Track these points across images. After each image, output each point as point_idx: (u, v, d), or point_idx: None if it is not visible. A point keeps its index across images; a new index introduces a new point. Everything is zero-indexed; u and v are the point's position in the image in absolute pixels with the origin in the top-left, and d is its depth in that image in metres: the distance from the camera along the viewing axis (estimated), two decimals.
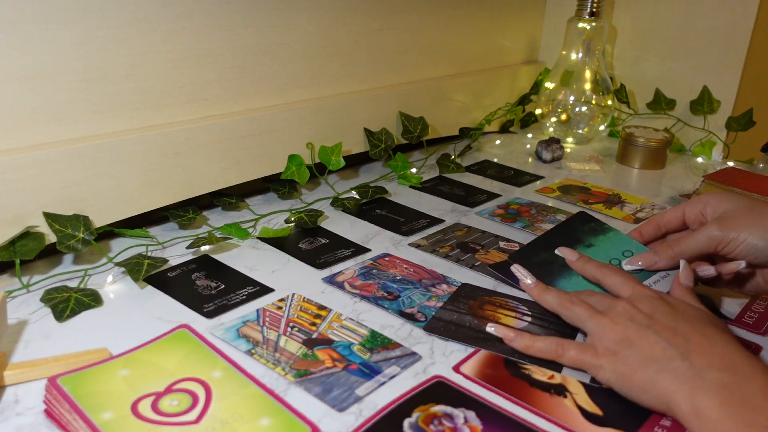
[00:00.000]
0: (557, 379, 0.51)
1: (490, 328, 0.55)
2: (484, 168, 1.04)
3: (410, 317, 0.59)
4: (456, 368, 0.52)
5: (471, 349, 0.54)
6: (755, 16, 1.05)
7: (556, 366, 0.52)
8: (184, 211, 0.74)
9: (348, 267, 0.68)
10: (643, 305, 0.51)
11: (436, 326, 0.57)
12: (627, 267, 0.60)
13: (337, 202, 0.83)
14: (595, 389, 0.50)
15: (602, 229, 0.66)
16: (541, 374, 0.51)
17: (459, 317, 0.58)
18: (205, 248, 0.70)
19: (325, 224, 0.79)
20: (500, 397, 0.49)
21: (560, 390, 0.50)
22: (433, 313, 0.59)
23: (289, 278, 0.65)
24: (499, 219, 0.83)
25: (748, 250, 0.56)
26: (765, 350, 0.57)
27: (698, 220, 0.61)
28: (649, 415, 0.47)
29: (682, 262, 0.57)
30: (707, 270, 0.59)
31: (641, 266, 0.60)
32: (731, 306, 0.63)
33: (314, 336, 0.55)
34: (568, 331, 0.57)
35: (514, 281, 0.62)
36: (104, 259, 0.66)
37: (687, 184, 1.01)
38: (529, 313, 0.60)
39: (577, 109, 1.17)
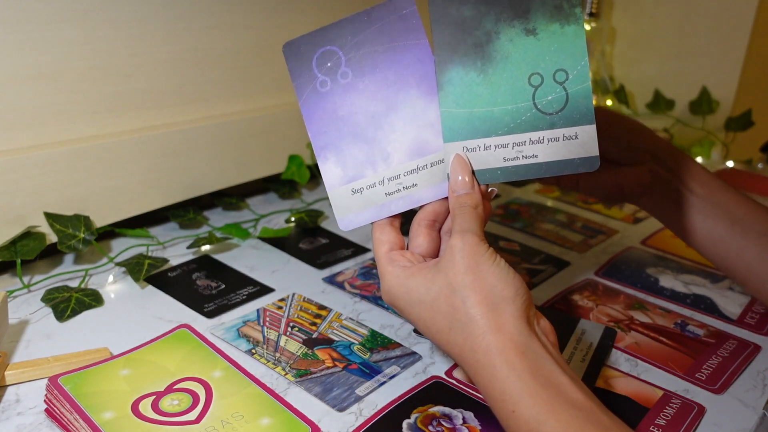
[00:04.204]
0: None
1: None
2: None
3: None
4: (448, 373, 0.52)
5: None
6: (754, 16, 1.05)
7: None
8: (185, 211, 0.74)
9: (348, 267, 0.68)
10: None
11: None
12: None
13: None
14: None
15: (573, 14, 0.42)
16: None
17: None
18: (205, 248, 0.71)
19: (325, 224, 0.79)
20: None
21: None
22: None
23: (289, 278, 0.65)
24: (498, 219, 0.83)
25: None
26: (764, 350, 0.57)
27: None
28: (644, 414, 0.47)
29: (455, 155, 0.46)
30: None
31: None
32: (732, 307, 0.64)
33: (314, 336, 0.55)
34: (561, 334, 0.57)
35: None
36: (105, 259, 0.66)
37: None
38: None
39: None
